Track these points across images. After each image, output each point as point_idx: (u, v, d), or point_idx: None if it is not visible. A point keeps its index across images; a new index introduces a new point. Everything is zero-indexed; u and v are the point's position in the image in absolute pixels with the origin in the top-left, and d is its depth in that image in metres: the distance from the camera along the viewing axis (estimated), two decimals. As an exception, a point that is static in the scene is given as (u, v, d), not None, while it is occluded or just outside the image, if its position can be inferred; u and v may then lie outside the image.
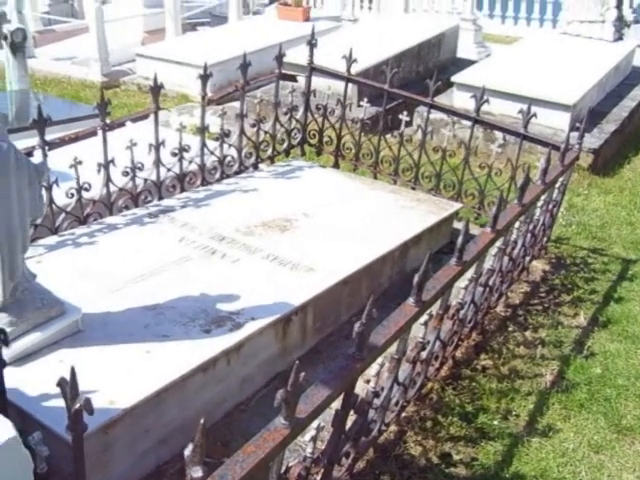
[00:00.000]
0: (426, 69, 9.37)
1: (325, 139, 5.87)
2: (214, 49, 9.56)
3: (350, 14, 13.19)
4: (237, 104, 5.81)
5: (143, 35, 11.86)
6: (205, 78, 4.86)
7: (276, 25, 11.14)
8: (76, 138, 4.41)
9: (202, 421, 1.78)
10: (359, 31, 10.32)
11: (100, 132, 4.38)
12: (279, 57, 5.50)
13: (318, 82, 6.00)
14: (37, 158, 3.98)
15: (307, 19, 11.22)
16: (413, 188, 5.55)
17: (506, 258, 4.28)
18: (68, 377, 2.17)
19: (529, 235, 4.62)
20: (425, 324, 3.31)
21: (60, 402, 2.24)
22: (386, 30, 9.97)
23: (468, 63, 9.65)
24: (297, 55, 6.88)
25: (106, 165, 4.42)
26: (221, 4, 13.62)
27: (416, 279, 2.95)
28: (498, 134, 5.92)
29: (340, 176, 5.58)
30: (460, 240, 3.30)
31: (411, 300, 3.00)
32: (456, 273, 3.30)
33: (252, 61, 5.18)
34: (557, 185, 4.90)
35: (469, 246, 3.49)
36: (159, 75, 4.74)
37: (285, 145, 5.75)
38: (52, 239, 4.23)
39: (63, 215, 4.35)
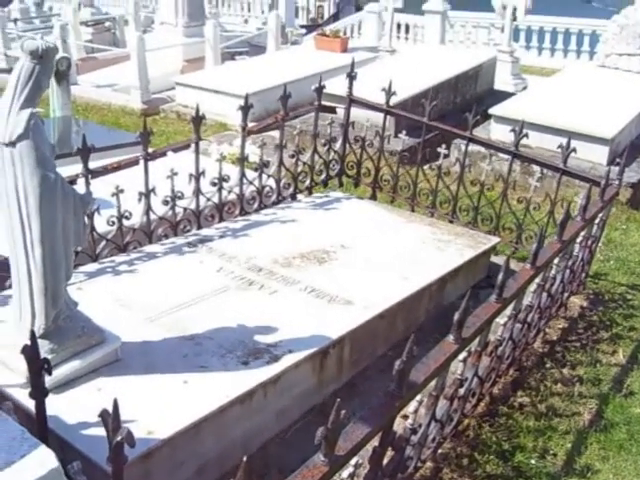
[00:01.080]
0: (463, 100, 9.38)
1: (363, 170, 5.89)
2: (252, 79, 9.68)
3: (387, 45, 13.27)
4: (276, 134, 5.85)
5: (182, 64, 12.04)
6: (246, 109, 4.91)
7: (314, 55, 11.25)
8: (118, 167, 4.47)
9: (244, 459, 1.78)
10: (397, 62, 10.37)
11: (142, 161, 4.44)
12: (319, 89, 5.54)
13: (357, 113, 6.03)
14: (80, 186, 4.05)
15: (345, 50, 11.31)
16: (451, 221, 5.53)
17: (545, 294, 4.24)
18: (110, 408, 2.18)
19: (568, 271, 4.57)
20: (464, 361, 3.29)
21: (100, 431, 2.26)
22: (424, 61, 10.02)
23: (505, 95, 9.64)
24: (335, 86, 6.92)
25: (147, 194, 4.48)
26: (260, 34, 13.80)
27: (456, 316, 2.93)
28: (536, 167, 5.89)
29: (378, 208, 5.59)
30: (500, 277, 3.28)
31: (451, 337, 2.98)
32: (496, 310, 3.28)
33: (290, 91, 5.23)
34: (596, 221, 4.85)
35: (509, 283, 3.47)
36: (198, 103, 4.81)
37: (323, 176, 5.78)
38: (92, 266, 4.28)
39: (104, 242, 4.40)
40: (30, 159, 2.84)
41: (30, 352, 2.48)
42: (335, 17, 28.46)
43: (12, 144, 2.84)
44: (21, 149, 2.84)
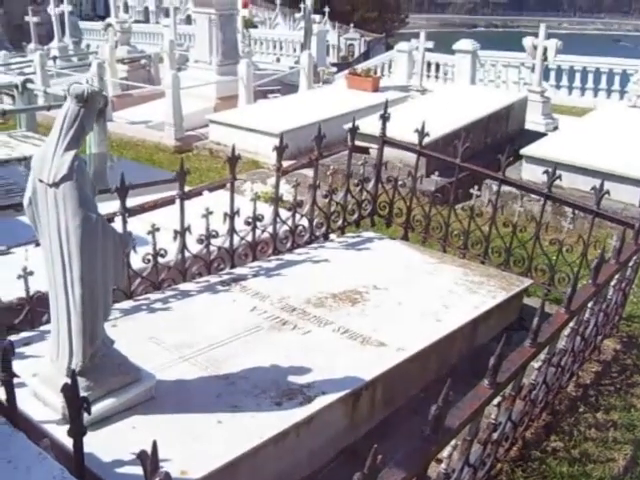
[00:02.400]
0: (494, 140, 9.41)
1: (395, 211, 5.92)
2: (285, 117, 9.81)
3: (418, 84, 13.38)
4: (309, 172, 5.92)
5: (216, 101, 12.24)
6: (281, 150, 4.98)
7: (346, 94, 11.37)
8: (155, 206, 4.55)
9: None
10: (428, 102, 10.46)
11: (178, 200, 4.50)
12: (352, 129, 5.60)
13: (389, 152, 6.08)
14: (117, 224, 4.12)
15: (376, 89, 11.42)
16: (483, 262, 5.53)
17: (578, 338, 4.22)
18: (145, 447, 2.20)
19: (601, 314, 4.55)
20: (498, 405, 3.27)
21: (135, 470, 2.29)
22: (455, 101, 10.10)
23: (536, 135, 9.68)
24: (368, 125, 6.99)
25: (182, 233, 4.54)
26: (292, 73, 13.99)
27: (492, 361, 2.93)
28: (568, 208, 5.89)
29: (410, 249, 5.60)
30: (535, 322, 3.28)
31: (486, 382, 2.97)
32: (530, 355, 3.28)
33: (323, 130, 5.28)
34: (630, 263, 4.83)
35: (543, 327, 3.46)
36: (230, 141, 4.90)
37: (355, 216, 5.82)
38: (127, 303, 4.33)
39: (139, 280, 4.45)
40: (73, 200, 2.91)
41: (70, 391, 2.52)
42: (365, 55, 28.81)
43: (56, 185, 2.91)
44: (64, 190, 2.90)
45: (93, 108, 2.98)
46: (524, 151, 8.01)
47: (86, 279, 2.99)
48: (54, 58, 17.07)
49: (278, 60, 20.37)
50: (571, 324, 3.92)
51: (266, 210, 5.13)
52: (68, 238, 2.95)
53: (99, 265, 3.01)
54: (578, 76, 15.79)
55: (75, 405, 2.53)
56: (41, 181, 2.98)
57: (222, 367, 3.68)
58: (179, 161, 4.58)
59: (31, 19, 19.00)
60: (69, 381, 3.01)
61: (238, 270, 4.88)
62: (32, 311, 4.00)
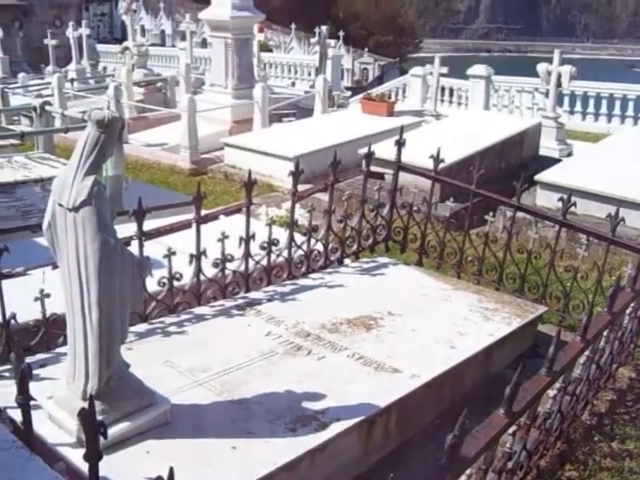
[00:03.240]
0: (508, 166, 9.41)
1: (409, 236, 5.92)
2: (300, 141, 9.86)
3: (432, 109, 13.43)
4: (324, 196, 5.94)
5: (231, 125, 12.31)
6: (297, 175, 5.00)
7: (360, 119, 11.41)
8: (171, 230, 4.58)
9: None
10: (442, 127, 10.49)
11: (194, 224, 4.53)
12: (368, 155, 5.63)
13: (403, 177, 6.09)
14: (134, 247, 4.15)
15: (391, 114, 11.46)
16: (497, 289, 5.52)
17: (594, 366, 4.20)
18: (161, 473, 2.21)
19: (617, 342, 4.52)
20: (513, 434, 3.26)
21: (149, 495, 2.28)
22: (469, 126, 10.12)
23: (550, 161, 9.68)
24: (382, 150, 7.01)
25: (198, 256, 4.56)
26: (307, 97, 14.08)
27: (508, 390, 2.92)
28: (582, 234, 5.88)
29: (424, 275, 5.60)
30: (551, 350, 3.27)
31: (501, 411, 2.96)
32: (546, 384, 3.26)
33: (337, 153, 5.30)
34: (646, 291, 4.81)
35: (559, 355, 3.45)
36: (245, 164, 4.93)
37: (370, 241, 5.84)
38: (142, 326, 4.35)
39: (154, 303, 4.47)
40: (92, 224, 2.94)
41: (87, 415, 2.52)
42: (379, 79, 29.00)
43: (75, 209, 2.95)
44: (84, 214, 2.94)
45: (113, 134, 3.03)
46: (538, 177, 8.00)
47: (103, 303, 3.01)
48: (72, 80, 17.26)
49: (293, 84, 20.50)
50: (586, 352, 3.91)
51: (281, 234, 5.15)
52: (86, 262, 2.98)
53: (117, 289, 3.03)
54: (592, 102, 15.81)
55: (92, 429, 2.53)
56: (61, 205, 3.01)
57: (237, 392, 3.68)
58: (194, 184, 4.63)
59: (50, 42, 19.22)
60: (85, 405, 3.03)
61: (253, 294, 4.90)
62: (48, 333, 4.02)
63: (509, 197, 5.70)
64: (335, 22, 37.50)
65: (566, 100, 15.82)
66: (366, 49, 33.75)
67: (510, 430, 3.18)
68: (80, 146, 2.99)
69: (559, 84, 11.67)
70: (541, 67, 11.71)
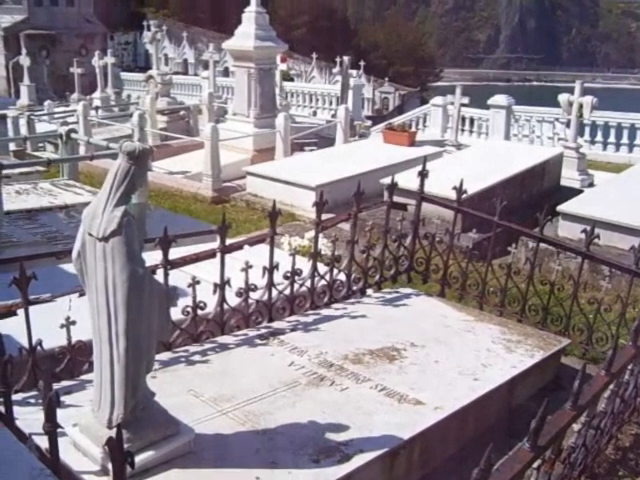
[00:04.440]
0: (530, 196, 9.41)
1: (432, 267, 5.93)
2: (322, 170, 9.92)
3: (453, 139, 13.48)
4: (345, 224, 5.97)
5: (253, 153, 12.41)
6: (321, 205, 5.03)
7: (382, 149, 11.46)
8: (196, 259, 4.61)
9: None
10: (464, 157, 10.51)
11: (219, 254, 4.57)
12: (391, 186, 5.66)
13: (425, 207, 6.10)
14: (159, 276, 4.18)
15: (412, 144, 11.50)
16: (519, 320, 5.50)
17: (618, 400, 4.16)
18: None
19: (641, 376, 4.49)
20: (537, 468, 3.23)
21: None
22: (490, 157, 10.14)
23: (571, 191, 9.67)
24: (405, 180, 7.05)
25: (222, 286, 4.59)
26: (329, 126, 14.17)
27: (533, 424, 2.90)
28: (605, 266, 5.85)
29: (446, 306, 5.59)
30: (576, 385, 3.25)
31: (527, 445, 2.94)
32: (571, 418, 3.24)
33: (358, 182, 5.32)
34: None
35: (583, 389, 3.43)
36: (267, 193, 4.96)
37: (392, 271, 5.84)
38: (166, 355, 4.37)
39: (177, 332, 4.49)
40: (121, 254, 2.98)
41: (115, 444, 2.55)
42: (400, 109, 29.14)
43: (105, 239, 2.99)
44: (113, 244, 2.98)
45: (144, 165, 3.08)
46: (561, 208, 7.99)
47: (131, 332, 3.04)
48: (96, 108, 17.52)
49: (314, 113, 20.65)
50: (611, 386, 3.88)
51: (304, 264, 5.17)
52: (115, 291, 3.01)
53: (144, 319, 3.06)
54: (613, 132, 15.81)
55: (119, 458, 2.55)
56: (91, 235, 3.05)
57: (260, 422, 3.69)
58: (216, 211, 4.68)
59: (76, 70, 19.55)
60: (111, 433, 3.05)
61: (276, 324, 4.92)
62: (73, 360, 4.06)
63: (531, 228, 5.70)
64: (356, 51, 37.87)
65: (587, 130, 15.83)
66: (386, 78, 33.96)
67: (534, 464, 3.16)
68: (111, 177, 3.04)
69: (580, 115, 11.68)
70: (562, 97, 11.74)
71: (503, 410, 4.59)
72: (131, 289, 2.99)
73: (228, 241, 4.71)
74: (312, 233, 5.30)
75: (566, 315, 5.35)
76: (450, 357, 4.66)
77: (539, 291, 5.48)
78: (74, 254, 3.17)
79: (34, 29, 31.07)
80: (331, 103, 21.28)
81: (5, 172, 8.06)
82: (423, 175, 5.88)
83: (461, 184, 5.70)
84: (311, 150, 12.96)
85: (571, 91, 11.68)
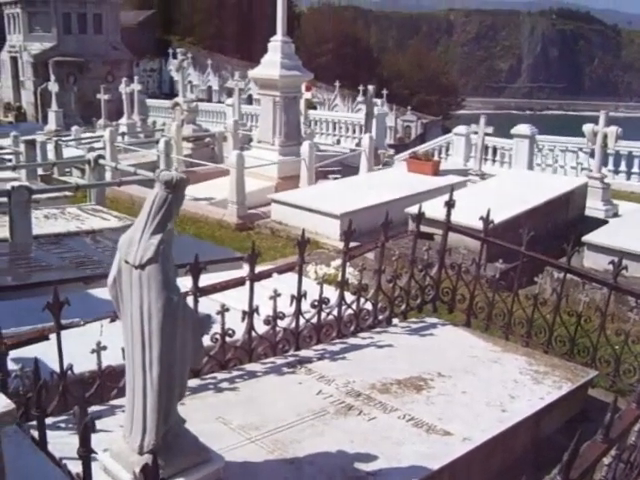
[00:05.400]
0: (555, 226, 9.39)
1: (457, 296, 5.93)
2: (346, 198, 9.97)
3: (477, 168, 13.50)
4: (370, 253, 6.00)
5: (277, 181, 12.49)
6: (349, 234, 5.06)
7: (406, 177, 11.51)
8: (226, 286, 4.66)
9: None
10: (488, 187, 10.53)
11: (248, 282, 4.61)
12: (419, 216, 5.69)
13: (451, 236, 6.11)
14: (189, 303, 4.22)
15: (436, 173, 11.54)
16: (546, 351, 5.48)
17: (648, 434, 4.13)
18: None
19: (671, 409, 4.44)
20: (568, 502, 3.22)
21: None
22: (515, 186, 10.15)
23: (596, 221, 9.65)
24: (430, 210, 7.08)
25: (250, 313, 4.62)
26: (353, 155, 14.24)
27: (565, 457, 2.90)
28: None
29: (472, 336, 5.59)
30: (608, 417, 3.25)
31: (558, 478, 2.93)
32: (603, 451, 3.23)
33: (382, 212, 5.35)
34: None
35: (614, 422, 3.42)
36: (292, 220, 4.98)
37: (418, 301, 5.85)
38: (194, 381, 4.40)
39: (206, 358, 4.52)
40: (157, 282, 3.02)
41: (150, 471, 2.58)
42: (422, 137, 29.23)
43: (141, 267, 3.04)
44: (149, 272, 3.03)
45: (180, 194, 3.13)
46: (586, 238, 7.98)
47: (165, 359, 3.08)
48: (122, 134, 17.74)
49: (338, 142, 20.77)
50: (641, 419, 3.86)
51: (331, 293, 5.19)
52: (150, 319, 3.05)
53: (178, 346, 3.10)
54: (637, 161, 15.75)
55: (154, 486, 2.58)
56: (127, 262, 3.10)
57: (288, 450, 3.70)
58: (240, 238, 4.72)
59: (102, 97, 19.84)
60: (142, 459, 3.09)
61: (303, 352, 4.94)
62: (102, 385, 4.09)
63: (556, 258, 5.69)
64: (379, 80, 38.13)
65: (611, 160, 15.79)
66: (409, 107, 34.13)
67: (565, 498, 3.15)
68: (148, 205, 3.09)
69: (605, 145, 11.68)
70: (587, 128, 11.74)
71: (530, 442, 4.57)
72: (166, 317, 3.03)
73: (259, 270, 4.74)
74: (338, 261, 5.33)
75: (593, 346, 5.33)
76: (477, 388, 4.65)
77: (565, 322, 5.47)
78: (110, 281, 3.22)
79: (62, 56, 31.60)
80: (354, 131, 21.40)
81: (34, 196, 8.18)
82: (450, 205, 5.90)
83: (488, 214, 5.71)
84: (335, 178, 13.03)
85: (594, 120, 11.68)
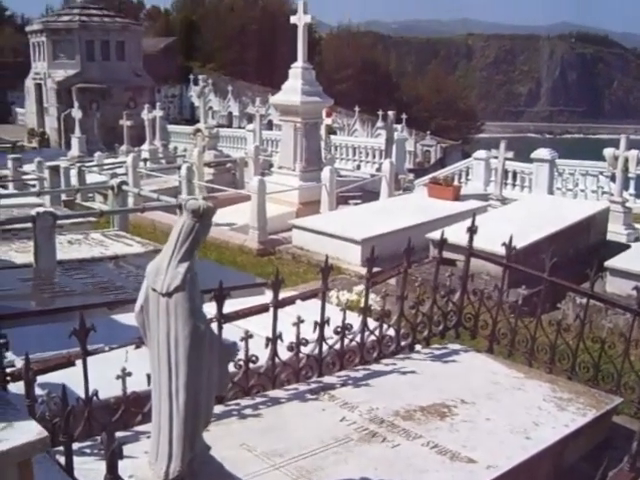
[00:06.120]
0: (576, 251, 9.35)
1: (480, 323, 5.92)
2: (367, 224, 10.00)
3: (497, 193, 13.50)
4: (392, 279, 6.01)
5: (298, 206, 12.55)
6: (372, 261, 5.09)
7: (426, 203, 11.53)
8: (250, 313, 4.69)
9: None
10: (509, 212, 10.52)
11: (272, 309, 4.64)
12: (441, 242, 5.70)
13: (473, 262, 6.11)
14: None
15: (457, 198, 11.55)
16: (569, 378, 5.45)
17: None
18: None
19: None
20: (594, 531, 3.20)
21: None
22: (536, 211, 10.14)
23: (618, 246, 9.60)
24: (451, 235, 7.08)
25: (274, 340, 4.65)
26: (373, 180, 14.29)
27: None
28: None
29: (495, 362, 5.57)
30: (635, 446, 3.24)
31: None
32: (629, 480, 3.22)
33: (403, 237, 5.36)
34: None
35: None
36: (313, 246, 5.01)
37: (441, 327, 5.85)
38: (218, 408, 4.40)
39: (230, 385, 4.54)
40: (184, 310, 3.06)
41: (177, 498, 2.59)
42: (441, 161, 29.26)
43: (169, 295, 3.08)
44: (177, 300, 3.06)
45: (208, 223, 3.18)
46: (609, 264, 7.95)
47: (191, 387, 3.10)
48: (144, 160, 17.93)
49: (358, 167, 20.86)
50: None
51: (353, 319, 5.20)
52: (177, 346, 3.08)
53: (204, 374, 3.12)
54: (657, 184, 15.68)
55: (181, 513, 2.60)
56: (154, 290, 3.14)
57: (313, 478, 3.70)
58: (262, 264, 4.76)
59: (125, 123, 20.07)
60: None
61: (326, 379, 4.95)
62: (127, 411, 4.12)
63: (578, 283, 5.67)
64: (398, 104, 38.30)
65: (632, 184, 15.72)
66: (428, 132, 34.22)
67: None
68: (175, 233, 3.14)
69: (626, 169, 11.64)
70: (608, 152, 11.71)
71: (554, 470, 4.54)
72: (192, 345, 3.06)
73: (283, 297, 4.78)
74: (360, 287, 5.35)
75: (617, 372, 5.30)
76: (501, 414, 4.64)
77: (589, 348, 5.44)
78: (137, 308, 3.26)
79: (86, 83, 32.06)
80: (374, 156, 21.48)
81: (58, 222, 8.28)
82: (472, 231, 5.91)
83: (510, 240, 5.72)
84: (356, 204, 13.07)
85: (614, 143, 11.65)
